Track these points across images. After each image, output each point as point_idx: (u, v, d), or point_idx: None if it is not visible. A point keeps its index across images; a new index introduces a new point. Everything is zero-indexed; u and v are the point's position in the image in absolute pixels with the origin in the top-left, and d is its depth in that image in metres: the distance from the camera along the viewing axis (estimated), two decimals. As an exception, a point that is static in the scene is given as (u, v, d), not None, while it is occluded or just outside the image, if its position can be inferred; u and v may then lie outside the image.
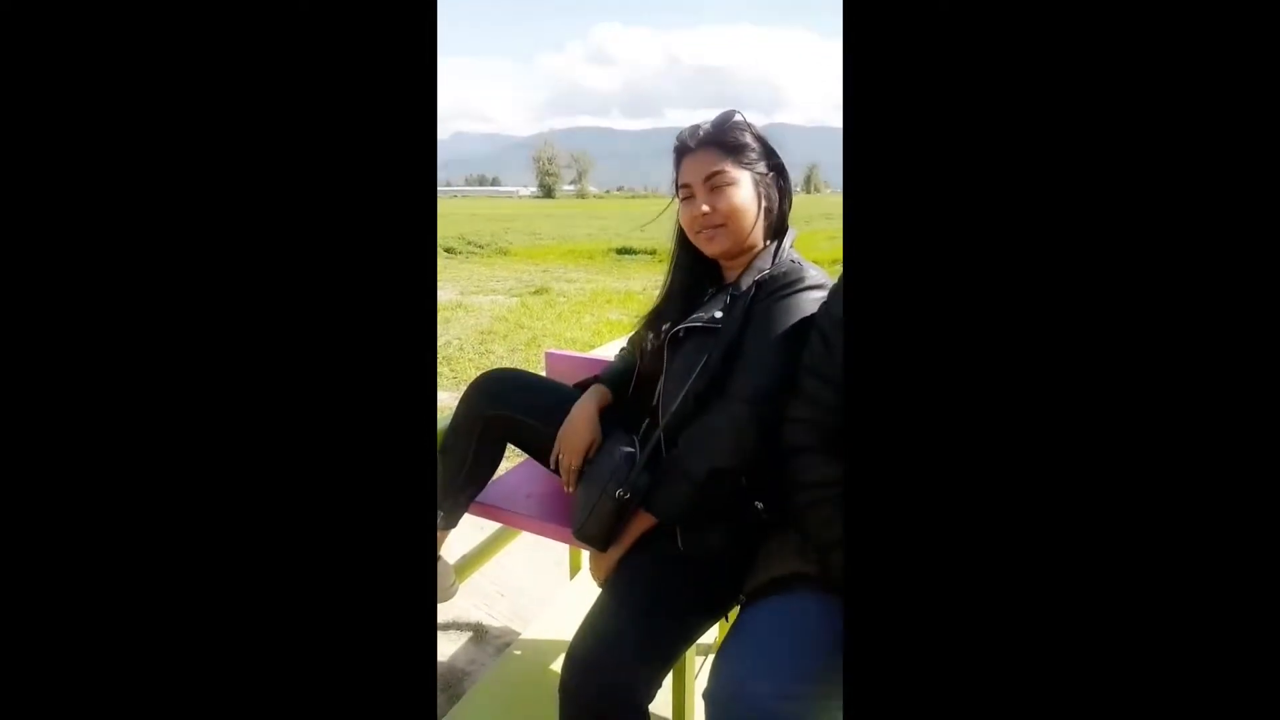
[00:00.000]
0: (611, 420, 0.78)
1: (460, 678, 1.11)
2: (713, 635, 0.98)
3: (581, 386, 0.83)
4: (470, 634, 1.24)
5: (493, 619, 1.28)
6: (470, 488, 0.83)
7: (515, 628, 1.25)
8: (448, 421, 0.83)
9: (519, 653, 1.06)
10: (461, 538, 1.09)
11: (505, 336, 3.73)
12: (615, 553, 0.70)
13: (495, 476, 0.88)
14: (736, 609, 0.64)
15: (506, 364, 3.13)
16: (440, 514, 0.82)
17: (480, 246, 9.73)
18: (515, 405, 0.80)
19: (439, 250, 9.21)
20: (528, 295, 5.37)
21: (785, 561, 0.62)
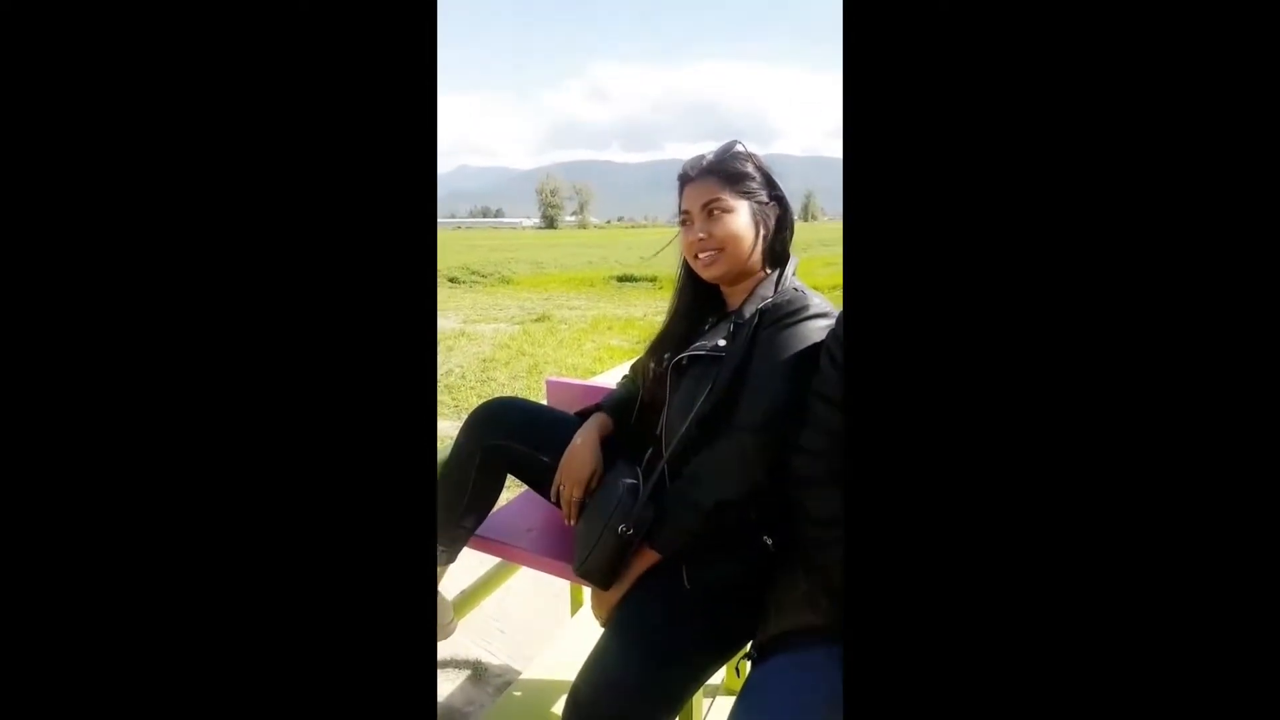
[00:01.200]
0: (614, 449, 0.76)
1: (458, 719, 1.06)
2: (720, 676, 0.94)
3: (582, 415, 0.82)
4: (469, 672, 1.19)
5: (492, 656, 1.24)
6: (469, 520, 0.81)
7: (516, 666, 1.20)
8: (448, 451, 0.82)
9: (519, 694, 1.02)
10: (461, 571, 1.07)
11: (507, 364, 3.73)
12: (618, 590, 0.68)
13: (495, 508, 0.86)
14: (748, 665, 0.62)
15: (508, 391, 3.12)
16: (439, 548, 0.80)
17: (483, 276, 9.84)
18: (515, 435, 0.79)
19: (443, 280, 9.34)
20: (530, 323, 5.40)
21: (795, 613, 0.60)
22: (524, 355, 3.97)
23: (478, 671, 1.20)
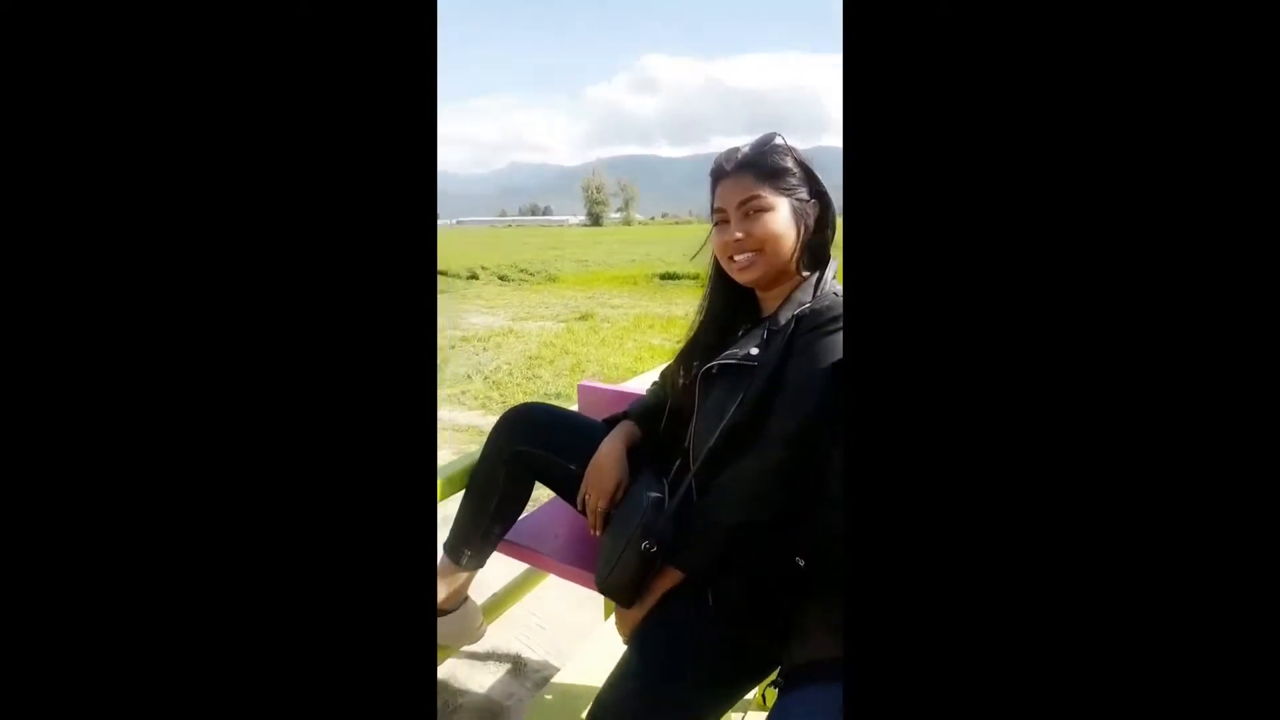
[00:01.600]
0: (641, 457, 0.75)
1: (498, 712, 1.09)
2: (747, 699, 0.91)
3: (610, 421, 0.81)
4: (509, 666, 1.22)
5: (531, 651, 1.26)
6: (498, 525, 0.82)
7: (554, 662, 1.22)
8: (479, 456, 0.83)
9: (550, 697, 1.03)
10: (495, 574, 1.09)
11: (552, 362, 3.79)
12: (641, 608, 0.66)
13: (526, 513, 0.87)
14: (774, 693, 0.59)
15: (553, 389, 3.19)
16: (467, 553, 0.82)
17: (531, 274, 10.07)
18: (540, 441, 0.79)
19: (493, 279, 9.62)
20: (573, 321, 5.47)
21: (825, 641, 0.57)
22: (568, 354, 4.02)
23: (517, 666, 1.22)
